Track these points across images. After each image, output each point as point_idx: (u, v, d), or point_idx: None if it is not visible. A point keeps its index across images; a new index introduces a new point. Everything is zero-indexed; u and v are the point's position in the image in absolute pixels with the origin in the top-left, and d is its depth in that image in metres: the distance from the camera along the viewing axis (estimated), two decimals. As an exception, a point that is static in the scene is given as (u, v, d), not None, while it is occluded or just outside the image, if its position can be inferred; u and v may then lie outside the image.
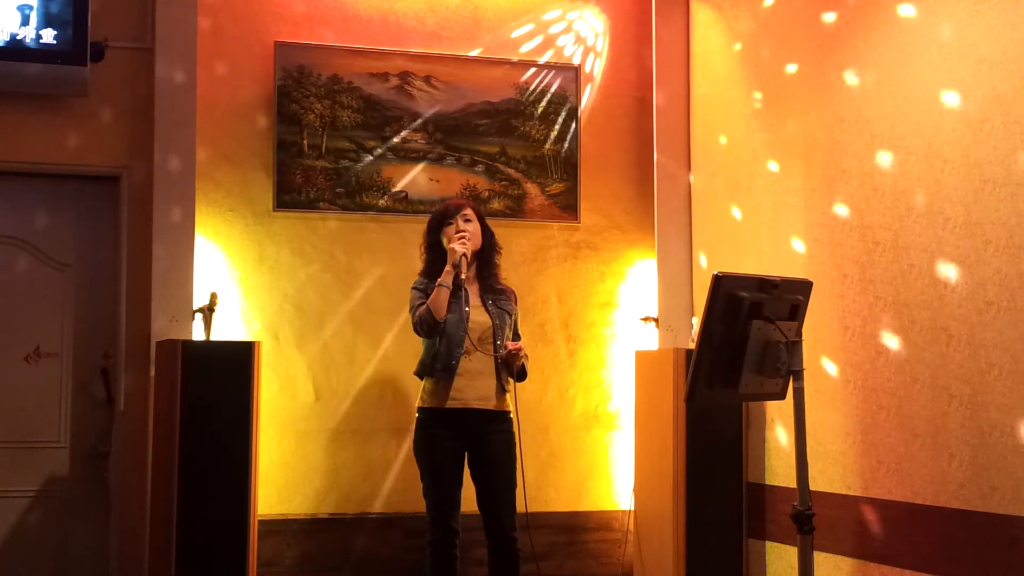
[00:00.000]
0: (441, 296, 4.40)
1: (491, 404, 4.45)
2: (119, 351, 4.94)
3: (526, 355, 4.53)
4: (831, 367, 4.60)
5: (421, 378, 4.53)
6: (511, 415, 4.51)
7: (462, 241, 4.46)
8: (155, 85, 4.94)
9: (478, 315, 4.49)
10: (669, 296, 5.56)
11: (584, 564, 5.48)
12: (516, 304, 4.66)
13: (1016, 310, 3.79)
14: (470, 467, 4.50)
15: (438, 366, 4.43)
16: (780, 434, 4.99)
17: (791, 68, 4.94)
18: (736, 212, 5.28)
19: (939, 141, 4.10)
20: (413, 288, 4.55)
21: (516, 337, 4.61)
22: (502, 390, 4.48)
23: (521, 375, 4.54)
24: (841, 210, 4.59)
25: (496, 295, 4.58)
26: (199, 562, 4.45)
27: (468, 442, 4.46)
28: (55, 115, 4.90)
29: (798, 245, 4.84)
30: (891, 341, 4.31)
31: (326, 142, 5.29)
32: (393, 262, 5.30)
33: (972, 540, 3.92)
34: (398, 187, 5.35)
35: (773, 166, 5.04)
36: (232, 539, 4.49)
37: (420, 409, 4.50)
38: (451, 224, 4.54)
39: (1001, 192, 3.85)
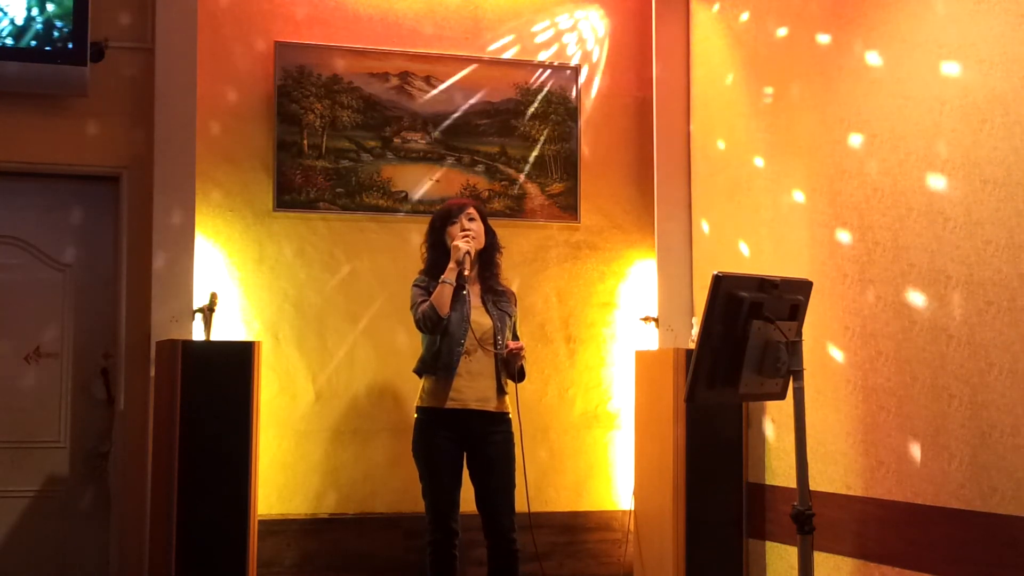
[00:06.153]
0: (445, 293, 4.39)
1: (490, 406, 4.45)
2: (119, 351, 4.94)
3: (525, 356, 4.53)
4: (831, 367, 4.60)
5: (420, 376, 4.52)
6: (510, 416, 4.51)
7: (467, 239, 4.46)
8: (155, 85, 4.94)
9: (479, 316, 4.49)
10: (669, 296, 5.55)
11: (584, 564, 5.48)
12: (515, 306, 4.66)
13: (1016, 310, 3.78)
14: (469, 468, 4.49)
15: (439, 364, 4.43)
16: (780, 434, 4.99)
17: (791, 68, 4.94)
18: (736, 213, 5.28)
19: (939, 141, 4.10)
20: (414, 286, 4.55)
21: (515, 339, 4.61)
22: (501, 391, 4.48)
23: (520, 376, 4.53)
24: (841, 210, 4.59)
25: (496, 296, 4.58)
26: (199, 562, 4.44)
27: (467, 443, 4.46)
28: (55, 115, 4.89)
29: (798, 245, 4.84)
30: (891, 341, 4.31)
31: (326, 142, 5.29)
32: (393, 262, 5.30)
33: (972, 540, 3.92)
34: (401, 189, 5.35)
35: (773, 166, 5.03)
36: (232, 539, 4.48)
37: (419, 409, 4.50)
38: (455, 223, 4.54)
39: (1001, 192, 3.85)
